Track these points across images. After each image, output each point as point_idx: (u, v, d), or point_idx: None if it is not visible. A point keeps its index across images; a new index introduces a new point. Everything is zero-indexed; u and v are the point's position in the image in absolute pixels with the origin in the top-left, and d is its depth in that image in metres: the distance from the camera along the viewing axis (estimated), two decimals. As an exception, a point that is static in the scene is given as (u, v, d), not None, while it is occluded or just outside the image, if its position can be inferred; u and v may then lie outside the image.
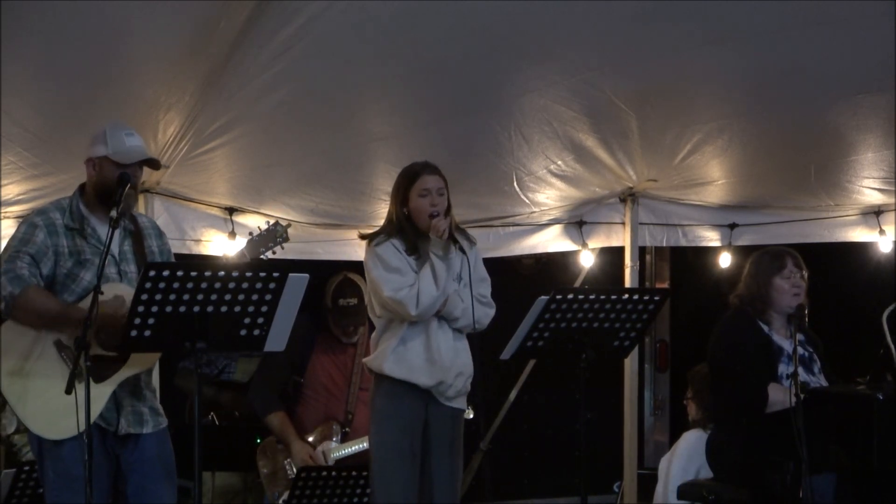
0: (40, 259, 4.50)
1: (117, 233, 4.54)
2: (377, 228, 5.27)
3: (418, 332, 5.04)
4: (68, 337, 4.42)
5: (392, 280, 4.99)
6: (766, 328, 5.64)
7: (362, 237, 5.27)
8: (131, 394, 4.59)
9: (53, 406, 4.33)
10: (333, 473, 5.90)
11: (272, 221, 5.27)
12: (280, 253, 5.42)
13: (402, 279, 5.00)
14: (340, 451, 6.16)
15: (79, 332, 4.21)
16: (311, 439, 6.20)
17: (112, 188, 4.51)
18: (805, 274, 5.66)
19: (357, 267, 5.24)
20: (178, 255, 6.29)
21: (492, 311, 5.16)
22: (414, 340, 5.03)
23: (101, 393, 4.46)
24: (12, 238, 4.58)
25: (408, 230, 5.08)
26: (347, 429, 6.19)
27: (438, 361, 5.02)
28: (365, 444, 6.10)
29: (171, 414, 4.81)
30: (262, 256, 4.90)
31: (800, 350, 5.57)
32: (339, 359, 6.31)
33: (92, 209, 4.62)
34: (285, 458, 6.26)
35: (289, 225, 5.32)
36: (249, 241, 5.18)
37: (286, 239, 5.15)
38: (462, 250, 5.07)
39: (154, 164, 4.78)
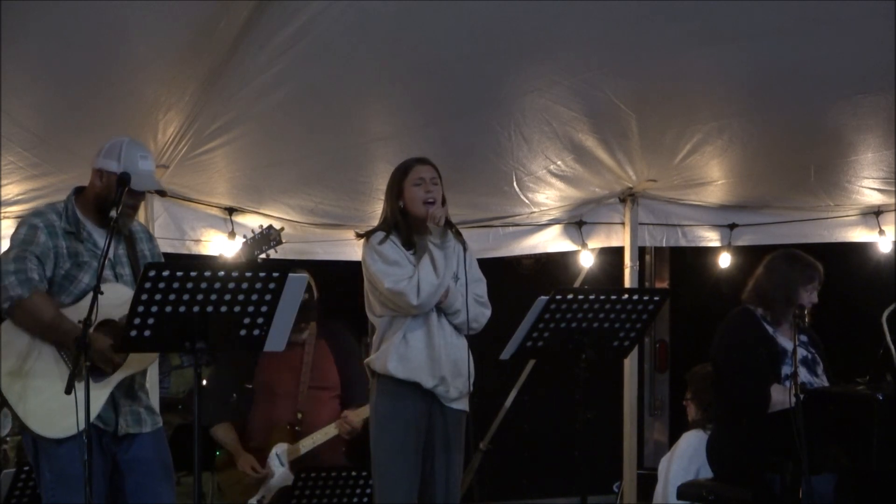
0: (44, 260, 4.51)
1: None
2: (373, 227, 5.28)
3: (419, 329, 5.04)
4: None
5: (392, 272, 5.00)
6: (770, 329, 5.64)
7: (359, 236, 5.27)
8: (127, 395, 4.60)
9: (53, 405, 4.33)
10: (333, 474, 5.90)
11: (266, 225, 5.30)
12: (280, 253, 5.43)
13: (402, 271, 5.00)
14: (294, 452, 6.09)
15: (78, 336, 4.22)
16: (262, 444, 6.13)
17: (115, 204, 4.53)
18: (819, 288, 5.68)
19: (357, 267, 5.23)
20: (178, 256, 6.31)
21: (488, 312, 5.17)
22: (416, 338, 5.04)
23: (99, 394, 4.46)
24: (13, 239, 4.57)
25: (403, 225, 5.09)
26: (298, 427, 6.12)
27: (440, 358, 5.03)
28: (316, 440, 6.04)
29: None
30: (256, 259, 4.92)
31: (803, 351, 5.58)
32: (287, 358, 6.11)
33: (87, 215, 4.63)
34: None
35: (282, 228, 5.35)
36: (245, 244, 5.23)
37: (280, 242, 5.21)
38: (460, 242, 5.08)
39: (161, 192, 4.82)
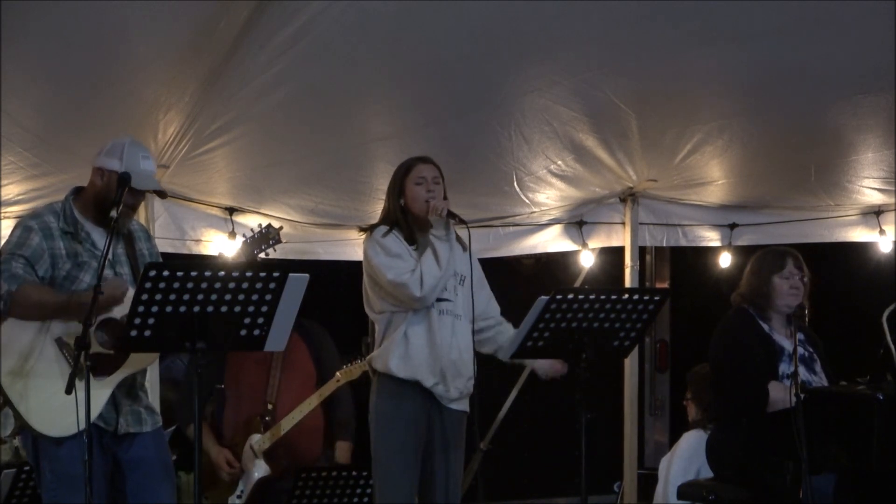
0: (35, 261, 4.51)
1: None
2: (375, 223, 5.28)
3: (420, 326, 5.04)
4: (70, 331, 4.43)
5: (394, 265, 5.00)
6: (766, 327, 5.64)
7: (362, 230, 5.28)
8: (128, 394, 4.61)
9: (54, 404, 4.33)
10: (334, 473, 5.90)
11: (265, 224, 5.31)
12: (280, 253, 5.43)
13: (404, 264, 5.00)
14: (266, 442, 6.09)
15: (80, 321, 4.23)
16: (236, 439, 6.13)
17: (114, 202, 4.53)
18: (806, 276, 5.66)
19: (358, 266, 5.23)
20: (178, 256, 6.31)
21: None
22: (417, 335, 5.03)
23: (101, 393, 4.47)
24: (6, 242, 4.59)
25: (404, 223, 5.09)
26: (268, 418, 6.13)
27: (441, 356, 5.02)
28: (284, 427, 6.04)
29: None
30: (256, 257, 4.93)
31: (800, 350, 5.57)
32: (256, 354, 6.02)
33: (86, 214, 4.63)
34: None
35: (281, 227, 5.37)
36: (244, 243, 5.25)
37: (279, 240, 5.23)
38: (461, 244, 5.08)
39: (161, 194, 4.82)
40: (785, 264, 5.65)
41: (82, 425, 4.21)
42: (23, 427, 4.50)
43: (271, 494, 6.03)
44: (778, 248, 5.88)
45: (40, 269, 4.51)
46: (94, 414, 4.38)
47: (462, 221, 5.04)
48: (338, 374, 6.05)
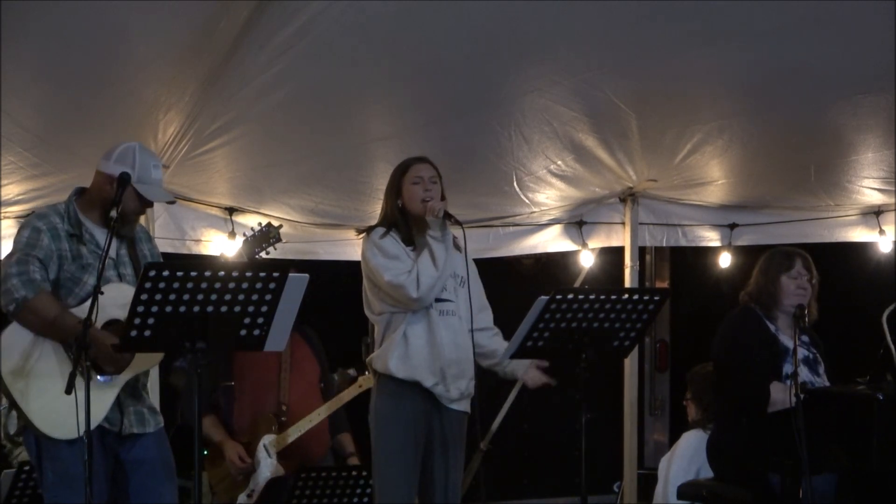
0: (47, 263, 4.50)
1: (114, 237, 4.53)
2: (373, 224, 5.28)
3: (420, 325, 5.04)
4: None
5: (392, 266, 5.00)
6: (772, 327, 5.63)
7: (359, 231, 5.29)
8: (131, 395, 4.61)
9: (57, 405, 4.32)
10: (333, 474, 5.90)
11: (265, 223, 5.32)
12: (280, 253, 5.45)
13: (402, 265, 5.01)
14: (282, 442, 6.10)
15: (79, 336, 4.22)
16: (247, 437, 6.14)
17: (125, 210, 4.52)
18: (814, 278, 5.66)
19: (358, 267, 5.23)
20: (178, 256, 6.32)
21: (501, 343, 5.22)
22: (416, 335, 5.04)
23: (107, 395, 4.48)
24: (17, 242, 4.56)
25: (402, 223, 5.10)
26: (284, 418, 6.14)
27: (441, 355, 5.03)
28: (302, 427, 6.05)
29: (164, 413, 4.82)
30: (256, 256, 4.93)
31: (804, 351, 5.58)
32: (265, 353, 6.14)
33: (89, 216, 4.62)
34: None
35: (280, 226, 5.37)
36: (245, 242, 5.26)
37: (279, 239, 5.24)
38: (457, 247, 5.09)
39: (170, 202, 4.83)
40: (793, 264, 5.64)
41: (83, 427, 4.20)
42: (27, 426, 4.51)
43: (281, 494, 6.04)
44: (787, 248, 5.86)
45: (51, 272, 4.51)
46: (100, 416, 4.38)
47: (458, 222, 5.04)
48: (360, 379, 6.08)
